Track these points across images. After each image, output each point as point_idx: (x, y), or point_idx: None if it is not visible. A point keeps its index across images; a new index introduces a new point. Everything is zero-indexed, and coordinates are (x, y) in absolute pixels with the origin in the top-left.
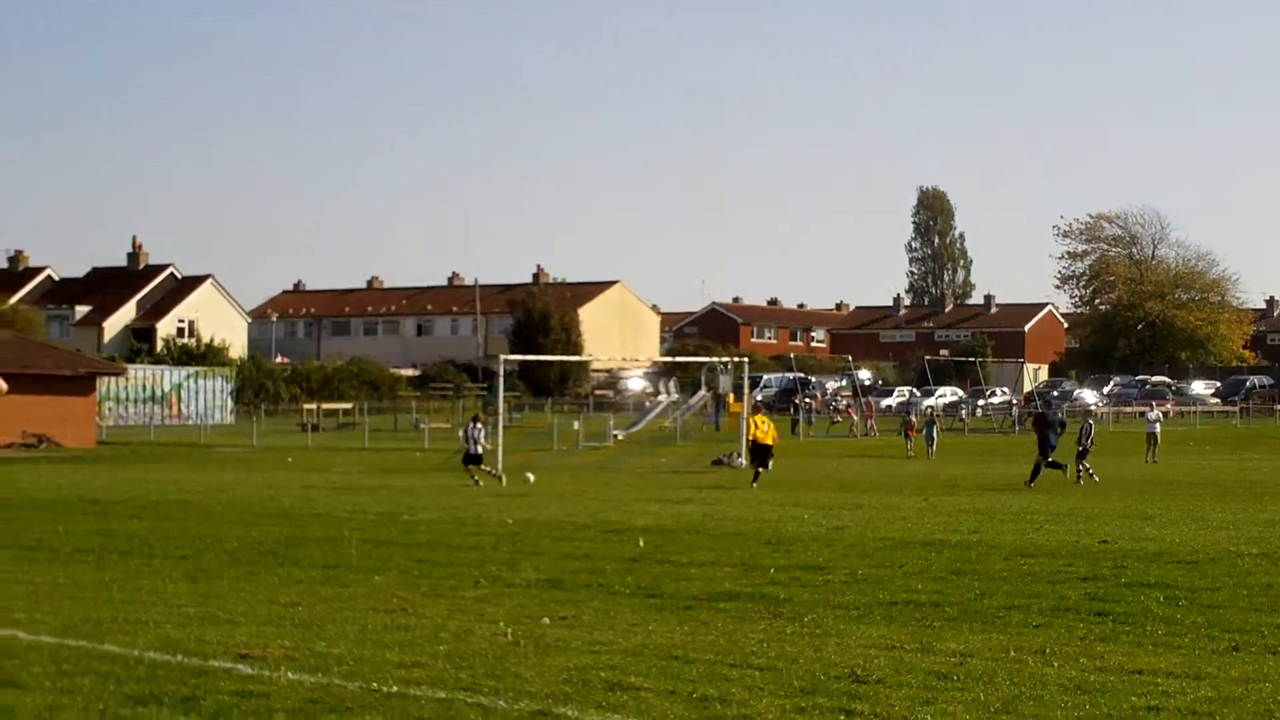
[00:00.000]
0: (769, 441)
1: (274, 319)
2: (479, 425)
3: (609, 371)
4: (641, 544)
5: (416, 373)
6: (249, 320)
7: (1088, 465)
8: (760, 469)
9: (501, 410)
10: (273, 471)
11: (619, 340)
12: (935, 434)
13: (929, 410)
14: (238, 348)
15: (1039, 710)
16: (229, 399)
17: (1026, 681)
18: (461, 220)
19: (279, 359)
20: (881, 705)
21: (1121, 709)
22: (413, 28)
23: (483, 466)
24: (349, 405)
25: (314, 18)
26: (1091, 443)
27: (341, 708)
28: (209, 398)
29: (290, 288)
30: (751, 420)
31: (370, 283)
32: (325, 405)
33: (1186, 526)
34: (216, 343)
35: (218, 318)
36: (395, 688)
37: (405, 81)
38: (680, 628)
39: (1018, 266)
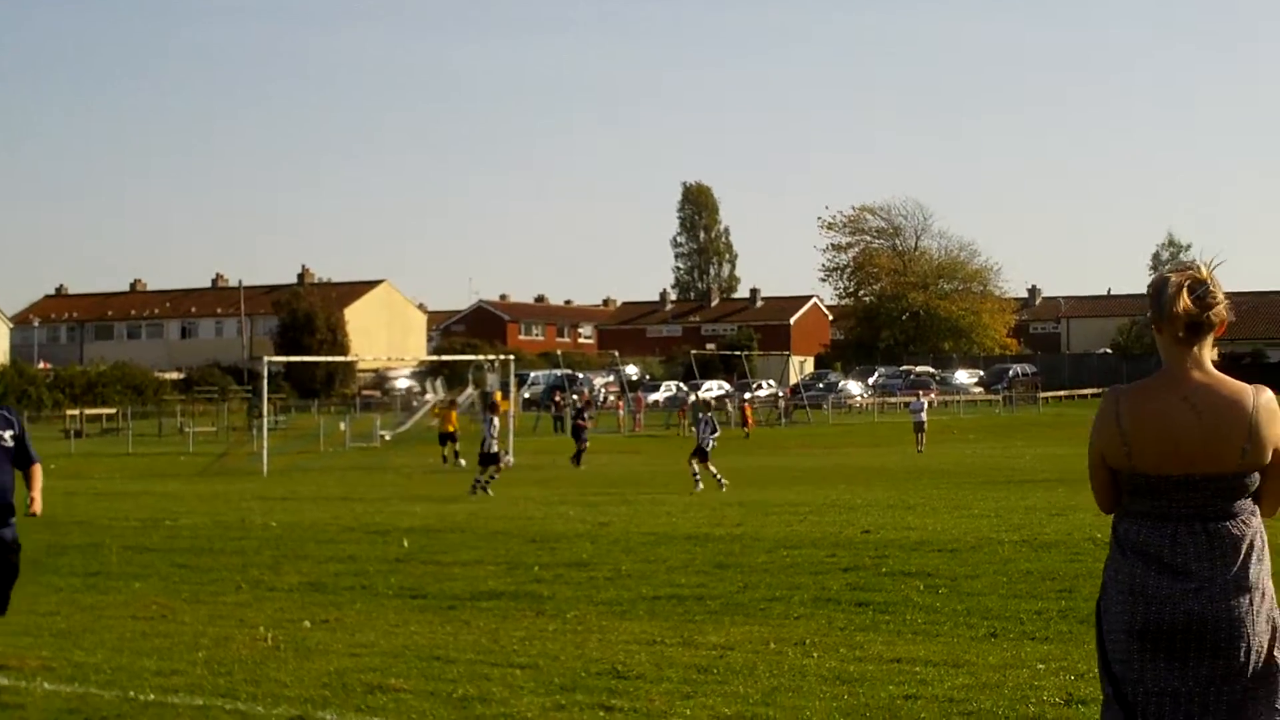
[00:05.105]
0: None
1: (36, 324)
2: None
3: (376, 371)
4: (406, 545)
5: (181, 376)
6: (10, 326)
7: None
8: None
9: (266, 412)
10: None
11: (386, 339)
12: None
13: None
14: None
15: (798, 701)
16: None
17: (786, 673)
18: (225, 221)
19: (41, 364)
20: (641, 700)
21: (879, 698)
22: (177, 19)
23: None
24: (113, 410)
25: (72, 9)
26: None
27: (98, 717)
28: None
29: (52, 292)
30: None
31: (133, 285)
32: (88, 411)
33: (949, 515)
34: None
35: None
36: (152, 696)
37: (165, 81)
38: (443, 628)
39: (783, 260)
